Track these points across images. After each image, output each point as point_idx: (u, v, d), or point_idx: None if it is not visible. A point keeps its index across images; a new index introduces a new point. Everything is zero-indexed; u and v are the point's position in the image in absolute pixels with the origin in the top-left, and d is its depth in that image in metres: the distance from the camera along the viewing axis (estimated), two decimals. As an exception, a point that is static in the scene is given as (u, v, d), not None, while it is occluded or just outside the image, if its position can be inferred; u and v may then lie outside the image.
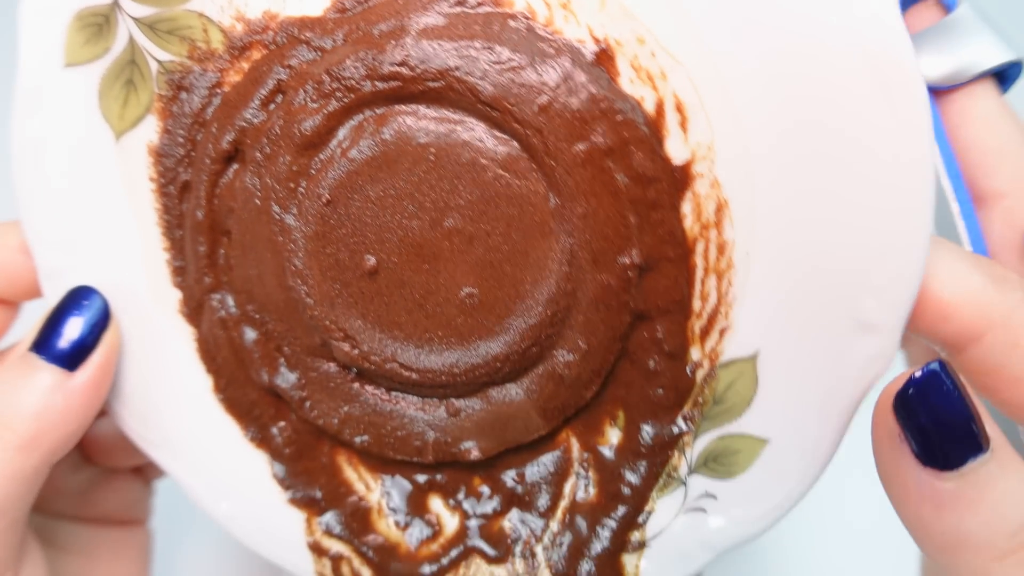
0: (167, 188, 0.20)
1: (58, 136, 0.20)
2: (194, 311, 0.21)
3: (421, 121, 0.18)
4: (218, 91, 0.19)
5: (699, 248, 0.18)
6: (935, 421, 0.15)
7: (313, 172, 0.19)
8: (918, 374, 0.15)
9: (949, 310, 0.16)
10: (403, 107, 0.18)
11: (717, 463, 0.19)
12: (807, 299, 0.17)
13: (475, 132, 0.18)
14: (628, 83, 0.17)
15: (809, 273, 0.17)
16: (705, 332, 0.18)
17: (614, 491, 0.20)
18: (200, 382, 0.22)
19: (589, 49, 0.17)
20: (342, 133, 0.19)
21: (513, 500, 0.21)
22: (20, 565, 0.19)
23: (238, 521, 0.22)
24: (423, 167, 0.18)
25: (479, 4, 0.17)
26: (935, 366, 0.15)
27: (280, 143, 0.19)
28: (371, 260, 0.19)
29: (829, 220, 0.16)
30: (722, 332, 0.18)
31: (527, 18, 0.17)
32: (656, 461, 0.20)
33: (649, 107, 0.17)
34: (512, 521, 0.21)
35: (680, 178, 0.17)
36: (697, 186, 0.17)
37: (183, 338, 0.22)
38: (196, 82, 0.19)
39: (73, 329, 0.20)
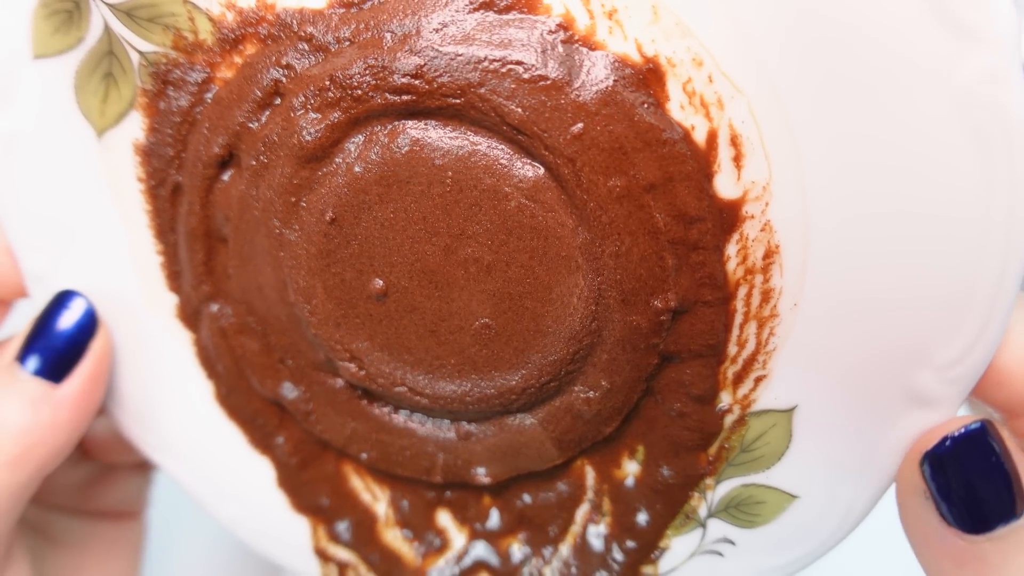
0: (158, 190, 0.19)
1: (32, 133, 0.18)
2: (192, 317, 0.20)
3: (438, 139, 0.16)
4: (209, 88, 0.17)
5: (741, 292, 0.16)
6: (968, 486, 0.14)
7: (316, 187, 0.17)
8: (956, 433, 0.14)
9: (1006, 376, 0.14)
10: (417, 122, 0.16)
11: (739, 511, 0.18)
12: (857, 360, 0.15)
13: (498, 155, 0.16)
14: (678, 109, 0.15)
15: (862, 333, 0.15)
16: (739, 378, 0.17)
17: (628, 524, 0.20)
18: (202, 386, 0.21)
19: (636, 67, 0.15)
20: (348, 146, 0.17)
21: (523, 521, 0.21)
22: (3, 572, 0.19)
23: (243, 524, 0.22)
24: (438, 190, 0.16)
25: (508, 8, 0.15)
26: (976, 428, 0.14)
27: (279, 153, 0.17)
28: (379, 283, 0.18)
29: (894, 280, 0.15)
30: (757, 380, 0.17)
31: (564, 28, 0.15)
32: (674, 500, 0.19)
33: (700, 138, 0.15)
34: (521, 542, 0.21)
35: (728, 218, 0.16)
36: (746, 228, 0.16)
37: (182, 342, 0.21)
38: (184, 77, 0.17)
39: (58, 338, 0.19)
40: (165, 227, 0.19)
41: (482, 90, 0.15)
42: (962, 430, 0.14)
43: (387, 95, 0.16)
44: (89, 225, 0.19)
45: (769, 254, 0.16)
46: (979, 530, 0.14)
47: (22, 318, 0.21)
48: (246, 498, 0.22)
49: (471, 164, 0.16)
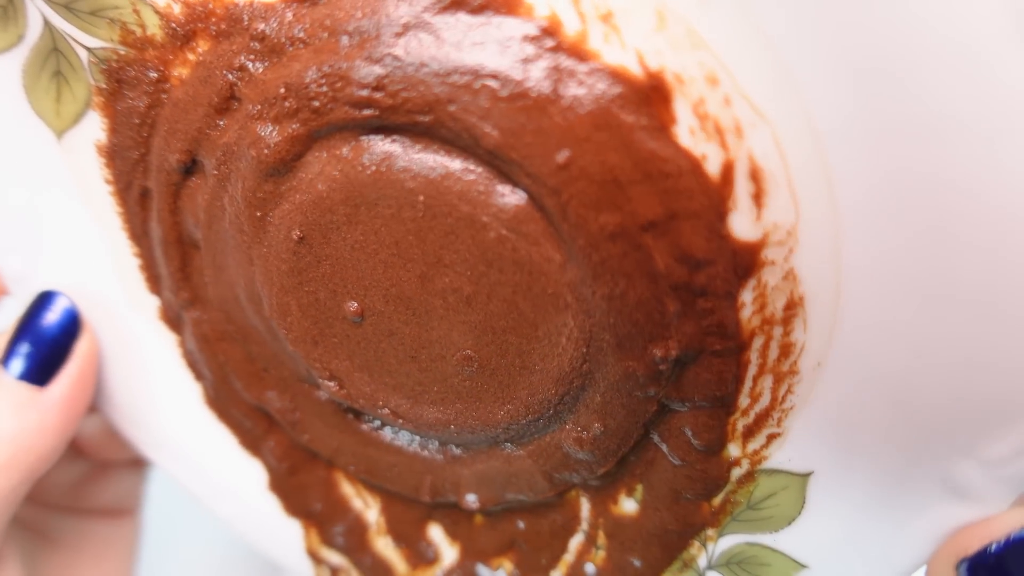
0: (126, 193, 0.17)
1: (-9, 135, 0.17)
2: (174, 321, 0.19)
3: (407, 159, 0.14)
4: (165, 87, 0.15)
5: (757, 343, 0.14)
6: None
7: (280, 202, 0.15)
8: (1002, 541, 0.12)
9: None
10: (384, 138, 0.14)
11: (742, 568, 0.16)
12: (888, 436, 0.13)
13: (474, 179, 0.14)
14: (687, 134, 0.12)
15: (896, 408, 0.13)
16: (750, 432, 0.15)
17: (622, 563, 0.18)
18: (191, 386, 0.20)
19: (636, 83, 0.12)
20: (311, 160, 0.15)
21: (514, 545, 0.20)
22: None
23: (240, 522, 0.22)
24: (409, 214, 0.14)
25: (482, 8, 0.12)
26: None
27: (239, 164, 0.15)
28: (354, 305, 0.16)
29: (939, 352, 0.12)
30: (771, 437, 0.15)
31: (549, 33, 0.12)
32: (672, 545, 0.17)
33: (713, 170, 0.12)
34: (513, 564, 0.20)
35: (744, 263, 0.13)
36: (765, 275, 0.13)
37: (167, 344, 0.20)
38: (139, 76, 0.15)
39: (41, 339, 0.18)
40: (138, 231, 0.18)
41: (452, 107, 0.13)
42: (1011, 538, 0.12)
43: (347, 108, 0.13)
44: (61, 227, 0.18)
45: (792, 306, 0.13)
46: None
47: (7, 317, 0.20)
48: (241, 496, 0.22)
49: (444, 188, 0.14)
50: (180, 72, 0.15)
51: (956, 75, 0.10)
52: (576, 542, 0.19)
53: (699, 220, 0.13)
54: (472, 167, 0.14)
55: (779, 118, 0.11)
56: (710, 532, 0.17)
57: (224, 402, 0.20)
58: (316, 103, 0.14)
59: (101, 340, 0.20)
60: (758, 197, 0.12)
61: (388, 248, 0.15)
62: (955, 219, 0.11)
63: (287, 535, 0.22)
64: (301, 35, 0.13)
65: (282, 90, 0.14)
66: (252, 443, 0.21)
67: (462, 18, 0.12)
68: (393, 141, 0.14)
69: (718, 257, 0.13)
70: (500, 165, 0.13)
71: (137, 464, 0.24)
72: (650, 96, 0.12)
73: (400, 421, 0.18)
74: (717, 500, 0.16)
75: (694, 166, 0.12)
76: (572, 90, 0.12)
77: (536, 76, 0.12)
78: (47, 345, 0.18)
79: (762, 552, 0.16)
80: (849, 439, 0.14)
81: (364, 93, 0.13)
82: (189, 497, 0.22)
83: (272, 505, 0.21)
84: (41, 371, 0.18)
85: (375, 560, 0.21)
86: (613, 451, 0.16)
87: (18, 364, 0.18)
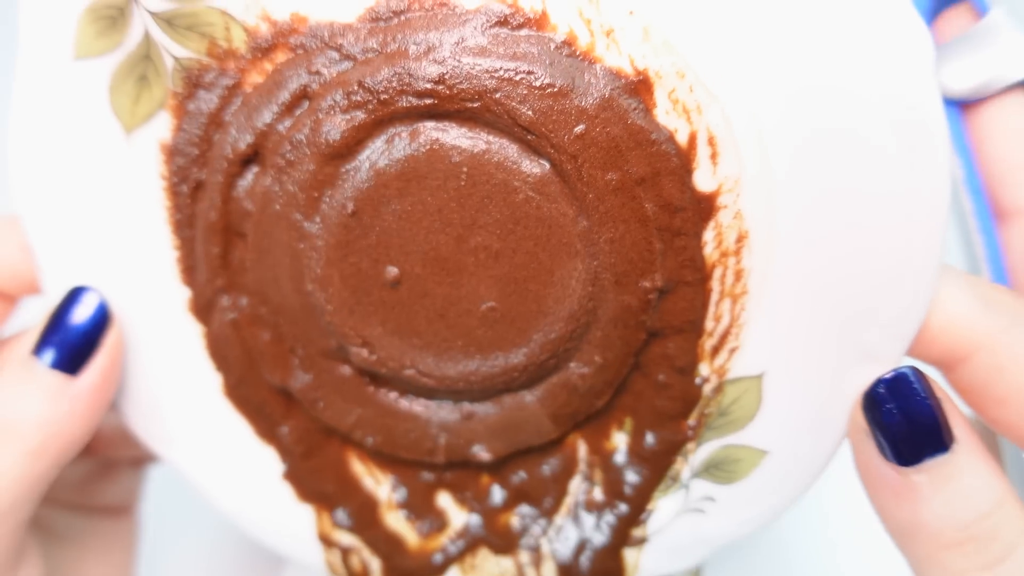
0: (179, 186, 0.20)
1: (63, 130, 0.19)
2: (204, 310, 0.21)
3: (454, 139, 0.18)
4: (238, 91, 0.19)
5: (717, 273, 0.19)
6: (897, 421, 0.16)
7: (338, 182, 0.19)
8: (888, 376, 0.16)
9: (937, 333, 0.17)
10: (435, 124, 0.18)
11: (719, 469, 0.20)
12: (815, 326, 0.18)
13: (508, 154, 0.18)
14: (664, 114, 0.18)
15: (819, 303, 0.18)
16: (715, 350, 0.20)
17: (618, 491, 0.21)
18: (209, 380, 0.22)
19: (628, 78, 0.17)
20: (371, 145, 0.18)
21: (519, 496, 0.22)
22: (19, 566, 0.19)
23: (247, 516, 0.23)
24: (454, 184, 0.18)
25: (520, 25, 0.17)
26: (905, 370, 0.16)
27: (305, 151, 0.19)
28: (393, 271, 0.19)
29: (843, 257, 0.17)
30: (732, 351, 0.19)
31: (568, 44, 0.17)
32: (659, 465, 0.21)
33: (682, 139, 0.18)
34: (518, 516, 0.22)
35: (705, 208, 0.18)
36: (721, 216, 0.18)
37: (192, 336, 0.21)
38: (215, 81, 0.19)
39: (73, 332, 0.19)
40: (183, 223, 0.20)
41: (497, 95, 0.17)
42: (892, 373, 0.16)
43: (411, 99, 0.18)
44: (110, 221, 0.20)
45: (740, 239, 0.18)
46: (910, 462, 0.16)
47: (27, 315, 0.21)
48: (251, 491, 0.22)
49: (484, 161, 0.18)
50: (254, 79, 0.19)
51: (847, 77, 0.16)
52: (575, 483, 0.22)
53: (675, 176, 0.18)
54: (507, 143, 0.18)
55: (727, 99, 0.17)
56: (690, 446, 0.21)
57: (244, 389, 0.22)
58: (384, 96, 0.18)
59: (125, 332, 0.21)
60: (714, 157, 0.18)
61: (431, 215, 0.19)
62: (849, 166, 0.17)
63: (295, 526, 0.23)
64: (374, 46, 0.18)
65: (356, 86, 0.18)
66: (267, 430, 0.22)
67: (504, 32, 0.17)
68: (443, 125, 0.18)
69: (688, 204, 0.18)
70: (531, 140, 0.18)
71: (138, 462, 0.24)
72: (638, 87, 0.17)
73: (424, 380, 0.21)
74: (694, 416, 0.20)
75: (670, 136, 0.18)
76: (585, 83, 0.17)
77: (559, 73, 0.17)
78: (79, 337, 0.19)
79: (733, 451, 0.20)
80: (790, 336, 0.18)
81: (428, 86, 0.17)
82: (192, 493, 0.23)
83: (281, 497, 0.23)
84: (72, 361, 0.19)
85: (386, 536, 0.23)
86: (610, 382, 0.20)
87: (51, 354, 0.19)
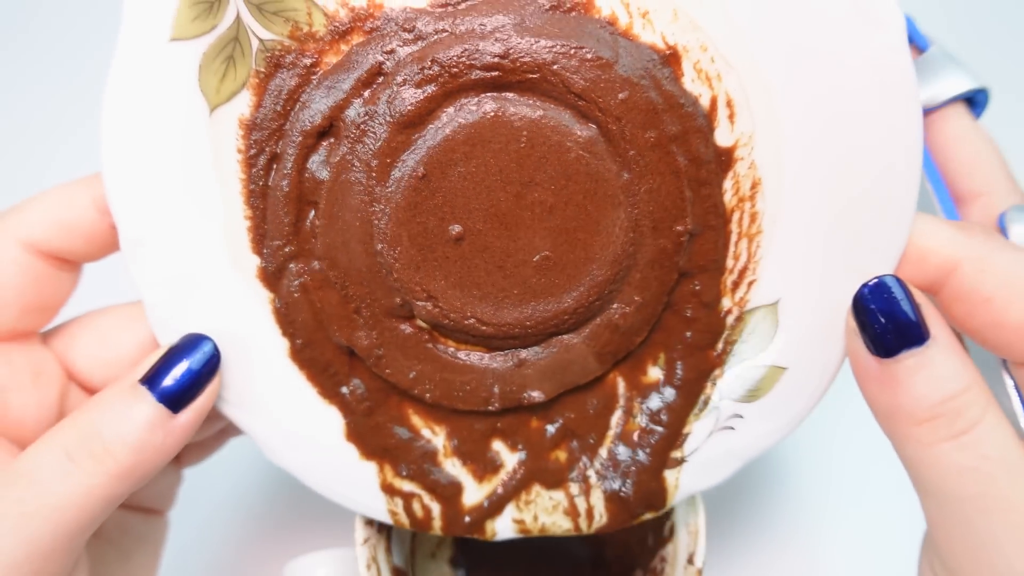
0: (255, 159, 0.22)
1: (154, 106, 0.20)
2: (273, 277, 0.23)
3: (515, 107, 0.21)
4: (316, 71, 0.21)
5: (735, 217, 0.22)
6: (877, 319, 0.19)
7: (410, 149, 0.21)
8: (872, 282, 0.20)
9: (926, 253, 0.20)
10: (499, 94, 0.21)
11: (744, 389, 0.23)
12: (820, 256, 0.22)
13: (562, 118, 0.21)
14: (690, 82, 0.21)
15: (822, 236, 0.22)
16: (736, 284, 0.23)
17: (656, 419, 0.24)
18: (275, 344, 0.23)
19: (661, 52, 0.21)
20: (441, 114, 0.21)
21: (566, 434, 0.25)
22: (75, 571, 0.20)
23: (312, 471, 0.24)
24: (514, 147, 0.21)
25: (571, 9, 0.20)
26: (885, 277, 0.19)
27: (379, 121, 0.21)
28: (457, 228, 0.22)
29: (840, 195, 0.21)
30: (750, 284, 0.23)
31: (611, 23, 0.20)
32: (691, 392, 0.24)
33: (705, 103, 0.21)
34: (566, 451, 0.25)
35: (725, 160, 0.22)
36: (738, 167, 0.22)
37: (260, 302, 0.23)
38: (295, 61, 0.21)
39: (185, 375, 0.21)
40: (257, 193, 0.22)
41: (555, 67, 0.20)
42: (875, 279, 0.19)
43: (478, 72, 0.20)
44: (189, 193, 0.22)
45: (754, 185, 0.22)
46: (889, 354, 0.18)
47: (91, 285, 0.22)
48: (316, 448, 0.24)
49: (542, 125, 0.21)
50: (331, 59, 0.21)
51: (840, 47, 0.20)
52: (616, 417, 0.25)
53: (700, 134, 0.21)
54: (561, 109, 0.21)
55: (742, 68, 0.21)
56: (717, 372, 0.24)
57: (311, 351, 0.24)
58: (455, 69, 0.20)
59: (203, 303, 0.22)
60: (731, 117, 0.21)
61: (493, 175, 0.21)
62: (842, 121, 0.21)
63: (359, 477, 0.24)
64: (445, 27, 0.20)
65: (429, 62, 0.20)
66: (331, 391, 0.24)
67: (558, 15, 0.20)
68: (505, 95, 0.21)
69: (712, 158, 0.22)
70: (581, 106, 0.21)
71: (177, 462, 0.25)
72: (669, 59, 0.21)
73: (483, 328, 0.23)
74: (719, 345, 0.24)
75: (695, 100, 0.21)
76: (626, 56, 0.21)
77: (605, 48, 0.20)
78: (191, 380, 0.21)
79: (756, 370, 0.23)
80: (799, 267, 0.22)
81: (494, 60, 0.20)
82: (257, 451, 0.24)
83: (346, 452, 0.24)
84: (179, 401, 0.20)
85: (445, 480, 0.25)
86: (647, 320, 0.23)
87: (161, 389, 0.20)
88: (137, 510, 0.25)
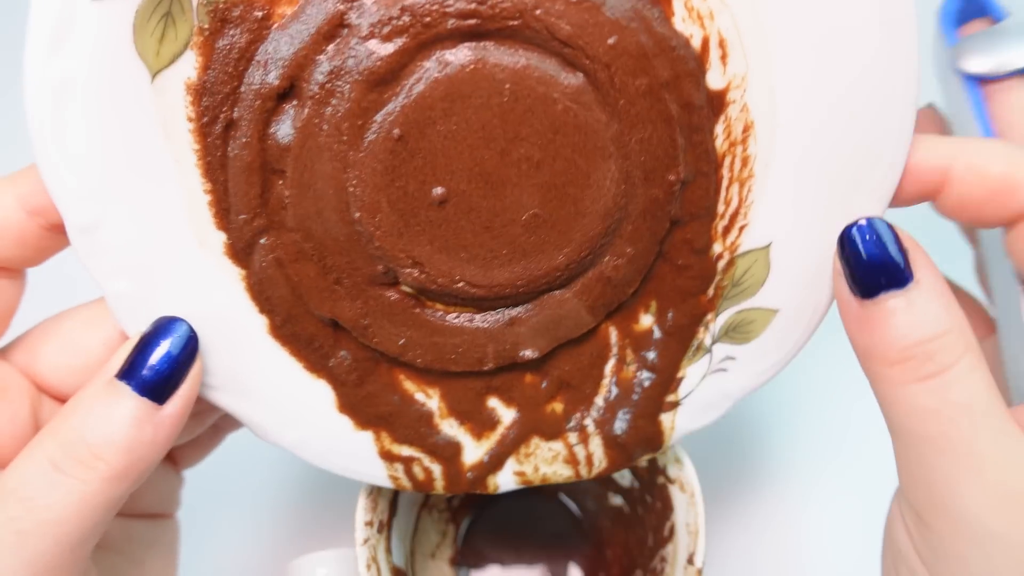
0: (209, 128, 0.20)
1: (86, 77, 0.18)
2: (243, 252, 0.21)
3: (496, 57, 0.19)
4: (268, 25, 0.19)
5: (727, 162, 0.22)
6: (859, 260, 0.19)
7: (383, 108, 0.19)
8: (858, 223, 0.20)
9: (916, 164, 0.20)
10: (477, 43, 0.19)
11: (736, 332, 0.24)
12: (812, 198, 0.21)
13: (547, 68, 0.19)
14: (680, 22, 0.20)
15: (814, 178, 0.21)
16: (727, 230, 0.23)
17: (649, 366, 0.25)
18: (254, 322, 0.22)
19: (650, -10, 0.19)
20: (415, 69, 0.19)
21: (562, 386, 0.25)
22: None
23: (307, 446, 0.24)
24: (496, 100, 0.20)
25: (552, -56, 0.18)
26: (871, 219, 0.20)
27: (346, 79, 0.19)
28: (440, 191, 0.21)
29: (835, 136, 0.21)
30: (741, 228, 0.23)
31: None
32: (684, 337, 0.24)
33: (696, 44, 0.20)
34: (562, 402, 0.25)
35: (716, 104, 0.21)
36: (729, 110, 0.21)
37: (232, 280, 0.22)
38: (244, 15, 0.18)
39: (163, 362, 0.19)
40: (215, 165, 0.20)
41: (537, 12, 0.18)
42: (864, 220, 0.19)
43: (454, 20, 0.18)
44: (138, 170, 0.19)
45: (746, 129, 0.21)
46: (869, 295, 0.18)
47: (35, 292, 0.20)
48: (309, 423, 0.23)
49: (525, 76, 0.19)
50: (284, 10, 0.19)
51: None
52: (610, 366, 0.25)
53: (692, 78, 0.20)
54: (545, 59, 0.19)
55: (736, 7, 0.19)
56: (709, 316, 0.24)
57: (292, 326, 0.22)
58: (428, 19, 0.18)
59: (171, 287, 0.21)
60: (723, 58, 0.20)
61: (476, 132, 0.20)
62: (836, 58, 0.20)
63: (356, 447, 0.24)
64: (412, -31, 0.18)
65: (399, 11, 0.18)
66: (318, 364, 0.23)
67: (539, -49, 0.18)
68: (485, 45, 0.19)
69: (704, 103, 0.21)
70: (567, 53, 0.19)
71: (176, 461, 0.24)
72: (660, -2, 0.19)
73: (473, 290, 0.22)
74: (711, 290, 0.24)
75: (686, 42, 0.20)
76: (614, -4, 0.19)
77: (591, -14, 0.19)
78: (171, 367, 0.19)
79: (748, 314, 0.23)
80: (790, 209, 0.22)
81: (472, 7, 0.18)
82: (251, 438, 0.23)
83: (340, 424, 0.24)
84: (161, 391, 0.19)
85: (444, 441, 0.25)
86: (639, 270, 0.23)
87: (140, 382, 0.19)
88: (140, 516, 0.24)
